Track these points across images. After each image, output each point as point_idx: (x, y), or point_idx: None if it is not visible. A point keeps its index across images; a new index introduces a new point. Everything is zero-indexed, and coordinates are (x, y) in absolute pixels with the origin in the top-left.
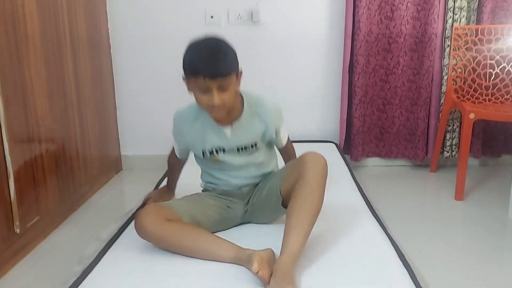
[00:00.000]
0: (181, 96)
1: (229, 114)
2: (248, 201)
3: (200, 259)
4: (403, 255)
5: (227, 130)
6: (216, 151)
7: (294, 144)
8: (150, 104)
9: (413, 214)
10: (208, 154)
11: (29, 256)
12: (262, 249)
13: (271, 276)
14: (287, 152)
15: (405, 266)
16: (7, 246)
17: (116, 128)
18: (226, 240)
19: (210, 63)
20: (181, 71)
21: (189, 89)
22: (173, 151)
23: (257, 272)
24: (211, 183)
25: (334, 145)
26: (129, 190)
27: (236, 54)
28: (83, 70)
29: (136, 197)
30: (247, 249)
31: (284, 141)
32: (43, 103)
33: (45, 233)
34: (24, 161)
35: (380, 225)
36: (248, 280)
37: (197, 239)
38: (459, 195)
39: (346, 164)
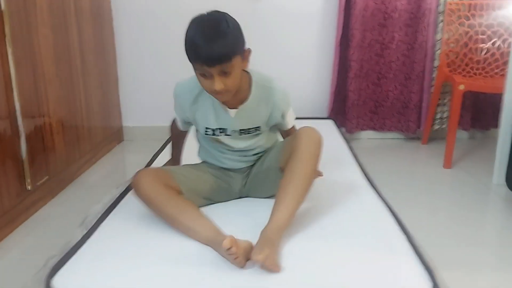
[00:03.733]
0: (182, 69)
1: (235, 96)
2: (247, 175)
3: (181, 232)
4: (402, 223)
5: (232, 112)
6: (218, 132)
7: None
8: (151, 76)
9: (404, 181)
10: (210, 132)
11: (39, 212)
12: (242, 239)
13: (244, 262)
14: (289, 134)
15: (404, 233)
16: (20, 201)
17: (118, 99)
18: (209, 220)
19: (208, 48)
20: (182, 43)
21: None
22: (175, 120)
23: (228, 249)
24: (208, 162)
25: (332, 122)
26: (130, 160)
27: (240, 33)
28: (87, 40)
29: (138, 166)
30: (228, 235)
31: (289, 125)
32: (50, 69)
33: (54, 193)
34: (34, 122)
35: (378, 195)
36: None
37: (181, 210)
38: (448, 163)
39: (345, 140)
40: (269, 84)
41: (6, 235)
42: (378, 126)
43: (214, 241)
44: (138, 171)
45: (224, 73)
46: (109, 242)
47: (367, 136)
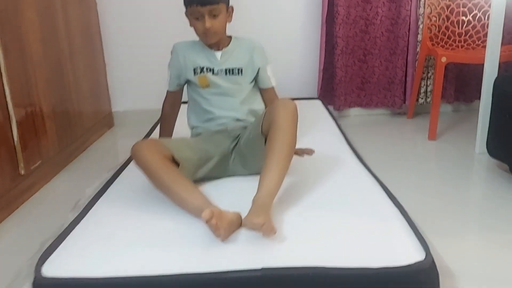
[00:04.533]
0: (168, 51)
1: (220, 43)
2: (236, 139)
3: (172, 201)
4: (392, 195)
5: (218, 53)
6: (206, 70)
7: None
8: (138, 59)
9: (391, 154)
10: (198, 71)
11: (34, 196)
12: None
13: (227, 234)
14: (271, 100)
15: (395, 204)
16: (14, 185)
17: (106, 85)
18: (199, 191)
19: None
20: (167, 26)
21: (190, 22)
22: (166, 99)
23: (207, 221)
24: (197, 126)
25: (320, 102)
26: (122, 144)
27: None
28: (73, 24)
29: (129, 150)
30: (216, 206)
31: (271, 81)
32: (38, 53)
33: (47, 178)
34: (24, 107)
35: (367, 168)
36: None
37: (175, 180)
38: (432, 134)
39: (333, 118)
40: (246, 38)
41: (2, 220)
42: (365, 102)
43: (202, 210)
44: (137, 141)
45: (213, 16)
46: (99, 226)
47: (355, 113)
